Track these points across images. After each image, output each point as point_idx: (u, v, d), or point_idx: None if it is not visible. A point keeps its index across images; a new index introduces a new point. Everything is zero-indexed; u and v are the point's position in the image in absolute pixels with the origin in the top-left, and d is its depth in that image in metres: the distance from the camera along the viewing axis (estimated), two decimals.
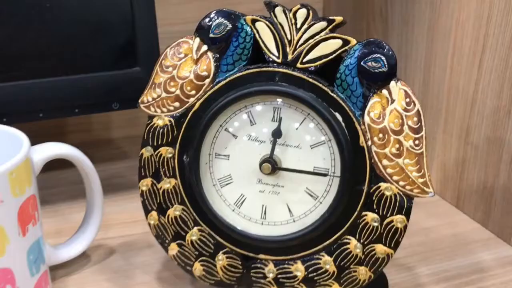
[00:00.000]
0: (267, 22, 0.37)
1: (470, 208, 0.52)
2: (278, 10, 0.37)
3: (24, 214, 0.37)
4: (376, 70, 0.35)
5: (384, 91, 0.36)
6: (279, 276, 0.39)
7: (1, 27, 0.46)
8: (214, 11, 0.38)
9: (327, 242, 0.38)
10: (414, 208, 0.45)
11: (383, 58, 0.35)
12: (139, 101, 0.40)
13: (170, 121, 0.39)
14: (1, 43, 0.47)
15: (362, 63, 0.36)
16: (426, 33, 0.54)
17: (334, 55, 0.36)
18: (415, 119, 0.35)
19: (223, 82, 0.38)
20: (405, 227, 0.36)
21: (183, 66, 0.39)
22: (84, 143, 0.53)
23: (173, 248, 0.40)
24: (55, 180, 0.56)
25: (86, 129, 0.64)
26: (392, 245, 0.37)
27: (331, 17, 0.36)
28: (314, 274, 0.38)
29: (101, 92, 0.50)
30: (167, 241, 0.40)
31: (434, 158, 0.55)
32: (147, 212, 0.41)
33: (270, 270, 0.39)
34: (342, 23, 0.36)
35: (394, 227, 0.36)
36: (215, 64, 0.38)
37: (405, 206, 0.36)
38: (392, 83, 0.36)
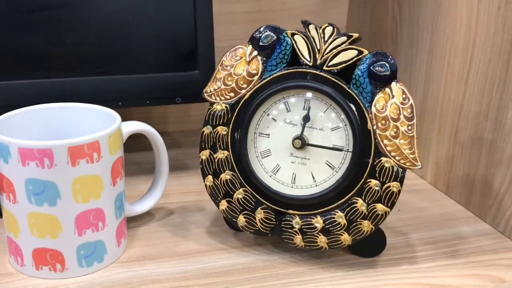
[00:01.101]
0: (302, 35, 0.47)
1: (456, 194, 0.60)
2: (311, 27, 0.47)
3: (115, 170, 0.46)
4: (381, 74, 0.45)
5: (387, 89, 0.45)
6: (303, 227, 0.48)
7: (97, 33, 0.57)
8: (264, 26, 0.47)
9: (340, 201, 0.47)
10: (413, 194, 0.54)
11: (387, 65, 0.44)
12: (204, 91, 0.49)
13: (226, 107, 0.48)
14: (96, 45, 0.57)
15: (371, 68, 0.45)
16: (427, 54, 0.63)
17: (351, 61, 0.46)
18: (409, 110, 0.44)
19: (268, 79, 0.47)
20: (399, 191, 0.45)
21: (238, 65, 0.48)
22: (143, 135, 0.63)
23: (223, 204, 0.49)
24: (126, 160, 0.67)
25: (146, 123, 0.75)
26: (389, 204, 0.46)
27: (350, 33, 0.46)
28: (330, 226, 0.47)
29: (167, 89, 0.59)
30: (218, 198, 0.50)
31: (430, 154, 0.64)
32: (204, 175, 0.50)
33: (296, 222, 0.48)
34: (358, 39, 0.46)
35: (391, 191, 0.45)
36: (262, 65, 0.48)
37: (399, 175, 0.45)
38: (393, 83, 0.45)
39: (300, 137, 0.47)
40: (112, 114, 0.49)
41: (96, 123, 0.49)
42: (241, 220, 0.49)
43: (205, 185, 0.50)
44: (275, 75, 0.48)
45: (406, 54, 0.67)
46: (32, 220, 0.44)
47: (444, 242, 0.53)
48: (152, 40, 0.59)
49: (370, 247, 0.50)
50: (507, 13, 0.51)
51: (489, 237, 0.54)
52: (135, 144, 0.57)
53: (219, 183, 0.49)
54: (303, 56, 0.47)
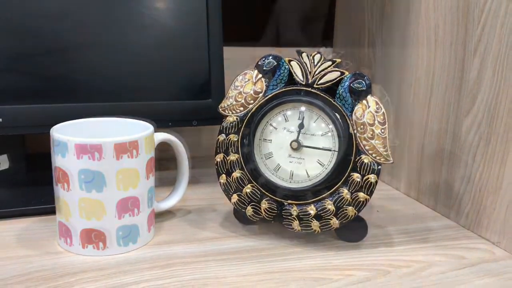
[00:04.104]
0: (297, 61, 0.55)
1: (425, 199, 0.68)
2: (304, 55, 0.56)
3: (148, 166, 0.54)
4: (359, 89, 0.53)
5: (364, 101, 0.53)
6: (299, 214, 0.54)
7: (131, 70, 0.66)
8: (267, 55, 0.56)
9: (329, 191, 0.53)
10: (389, 200, 0.62)
11: (363, 82, 0.53)
12: (219, 106, 0.57)
13: (237, 118, 0.56)
14: (130, 79, 0.66)
15: (351, 84, 0.53)
16: (397, 88, 0.73)
17: (335, 80, 0.54)
18: (382, 117, 0.52)
19: (270, 95, 0.56)
20: (376, 182, 0.52)
21: (246, 86, 0.56)
22: (163, 158, 0.70)
23: (234, 197, 0.56)
24: None
25: (165, 149, 0.83)
26: (369, 192, 0.53)
27: (333, 59, 0.55)
28: (321, 212, 0.54)
29: (186, 113, 0.68)
30: (231, 193, 0.56)
31: (402, 169, 0.72)
32: (219, 174, 0.57)
33: (294, 210, 0.54)
34: (340, 63, 0.55)
35: (370, 181, 0.52)
36: (266, 85, 0.56)
37: (376, 169, 0.52)
38: (369, 96, 0.53)
39: (297, 140, 0.55)
40: (147, 124, 0.57)
41: (134, 131, 0.56)
42: (249, 210, 0.56)
43: (220, 182, 0.57)
44: (275, 92, 0.56)
45: (381, 88, 0.76)
46: (82, 204, 0.51)
47: (416, 232, 0.60)
48: (174, 75, 0.68)
49: (355, 234, 0.57)
50: (457, 47, 0.61)
51: (452, 229, 0.61)
52: (158, 165, 0.64)
53: (231, 180, 0.56)
54: (297, 77, 0.55)
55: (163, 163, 0.78)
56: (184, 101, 0.68)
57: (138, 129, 0.56)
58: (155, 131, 0.56)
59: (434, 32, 0.65)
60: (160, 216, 0.61)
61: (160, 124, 0.67)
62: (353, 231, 0.57)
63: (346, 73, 0.54)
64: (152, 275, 0.49)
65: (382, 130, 0.52)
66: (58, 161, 0.51)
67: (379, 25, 0.76)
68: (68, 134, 0.52)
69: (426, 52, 0.66)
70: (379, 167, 0.53)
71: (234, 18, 0.85)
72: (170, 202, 0.60)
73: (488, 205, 0.58)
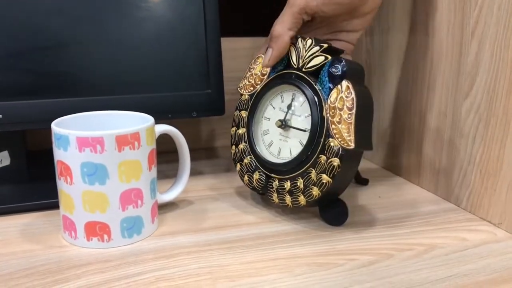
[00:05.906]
0: (293, 46, 0.57)
1: (426, 184, 0.69)
2: (299, 40, 0.57)
3: (150, 158, 0.54)
4: (335, 74, 0.53)
5: (339, 86, 0.53)
6: (278, 187, 0.58)
7: (134, 64, 0.66)
8: None
9: (301, 170, 0.55)
10: (390, 186, 0.63)
11: (339, 67, 0.53)
12: (238, 86, 0.63)
13: (248, 97, 0.61)
14: (131, 72, 0.66)
15: (329, 69, 0.54)
16: (395, 73, 0.73)
17: (320, 64, 0.55)
18: (350, 102, 0.52)
19: (272, 77, 0.60)
20: (338, 165, 0.52)
21: (257, 68, 0.61)
22: (163, 150, 0.70)
23: (238, 166, 0.63)
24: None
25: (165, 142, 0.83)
26: (331, 176, 0.53)
27: (322, 44, 0.56)
28: (293, 188, 0.56)
29: (186, 104, 0.68)
30: (236, 161, 0.63)
31: (403, 156, 0.73)
32: (231, 145, 0.64)
33: (275, 184, 0.58)
34: (328, 47, 0.55)
35: (332, 164, 0.53)
36: (270, 68, 0.60)
37: (339, 153, 0.52)
38: (343, 81, 0.53)
39: (282, 120, 0.58)
40: (147, 117, 0.57)
41: (135, 123, 0.57)
42: (246, 178, 0.62)
43: (231, 152, 0.64)
44: (275, 75, 0.60)
45: (378, 77, 0.76)
46: (86, 197, 0.51)
47: (418, 216, 0.61)
48: (173, 67, 0.68)
49: (335, 217, 0.58)
50: (454, 31, 0.61)
51: (454, 212, 0.62)
52: (159, 158, 0.65)
53: (238, 150, 0.62)
54: (292, 61, 0.58)
55: (165, 156, 0.78)
56: (183, 92, 0.68)
57: (138, 121, 0.56)
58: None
59: (431, 17, 0.65)
60: (164, 207, 0.62)
61: (160, 116, 0.67)
62: (333, 214, 0.58)
63: (329, 57, 0.55)
64: (157, 265, 0.49)
65: (349, 115, 0.52)
66: (60, 155, 0.52)
67: (376, 12, 0.76)
68: (69, 127, 0.53)
69: (423, 37, 0.66)
70: (343, 151, 0.52)
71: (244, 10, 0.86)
72: (172, 193, 0.61)
73: (488, 187, 0.58)
